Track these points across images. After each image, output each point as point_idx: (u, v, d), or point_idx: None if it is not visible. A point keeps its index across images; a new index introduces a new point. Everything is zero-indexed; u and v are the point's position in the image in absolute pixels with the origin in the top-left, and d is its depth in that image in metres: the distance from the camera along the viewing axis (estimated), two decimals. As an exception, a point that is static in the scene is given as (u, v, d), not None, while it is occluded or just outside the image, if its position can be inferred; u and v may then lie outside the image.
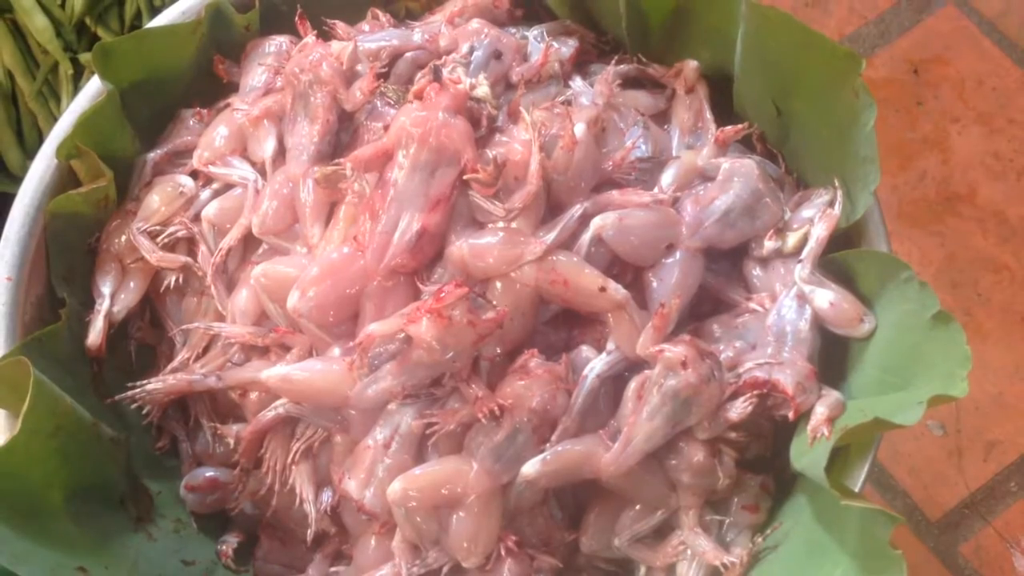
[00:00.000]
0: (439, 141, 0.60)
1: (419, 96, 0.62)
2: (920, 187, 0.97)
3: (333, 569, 0.64)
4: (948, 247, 0.94)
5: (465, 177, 0.60)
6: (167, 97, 0.71)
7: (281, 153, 0.67)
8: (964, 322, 0.91)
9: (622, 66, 0.71)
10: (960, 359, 0.52)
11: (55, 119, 0.78)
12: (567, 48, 0.71)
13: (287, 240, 0.66)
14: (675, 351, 0.57)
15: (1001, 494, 0.86)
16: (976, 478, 0.86)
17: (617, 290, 0.60)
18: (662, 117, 0.71)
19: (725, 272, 0.65)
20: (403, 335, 0.58)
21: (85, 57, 0.84)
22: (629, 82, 0.72)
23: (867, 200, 0.61)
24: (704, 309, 0.65)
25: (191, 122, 0.71)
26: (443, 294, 0.57)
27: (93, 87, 0.68)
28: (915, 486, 0.86)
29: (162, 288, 0.68)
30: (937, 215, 0.96)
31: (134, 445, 0.66)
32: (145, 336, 0.70)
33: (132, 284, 0.68)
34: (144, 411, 0.66)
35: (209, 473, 0.66)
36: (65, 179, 0.68)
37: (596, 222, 0.61)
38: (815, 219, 0.62)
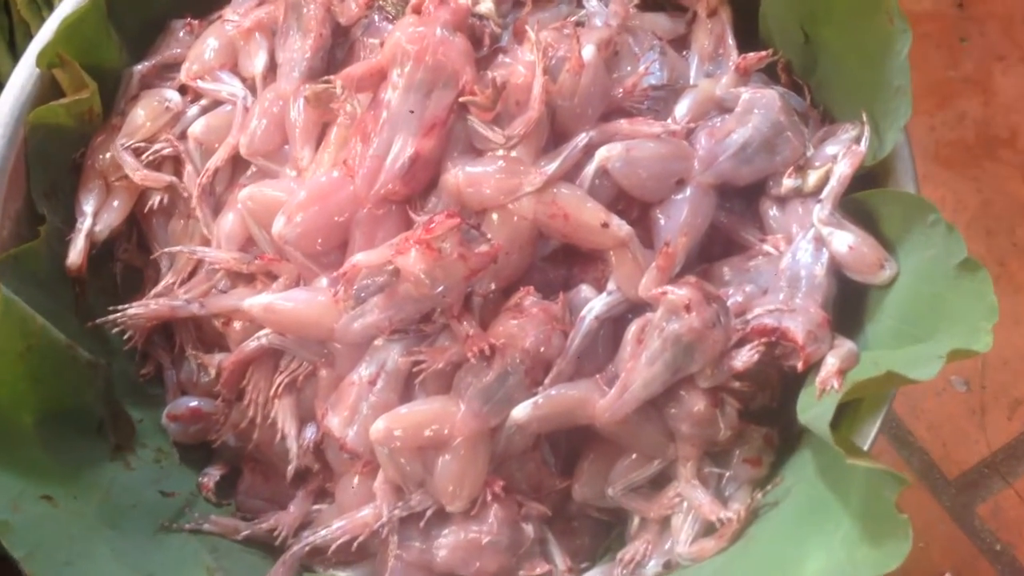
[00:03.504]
0: (436, 60, 0.56)
1: (417, 10, 0.58)
2: (959, 129, 0.91)
3: (316, 506, 0.61)
4: (985, 193, 0.89)
5: (462, 100, 0.56)
6: (157, 6, 0.68)
7: (273, 69, 0.63)
8: (997, 273, 0.87)
9: (642, -17, 0.66)
10: (986, 311, 0.48)
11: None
12: (583, -37, 0.66)
13: (276, 162, 0.62)
14: (679, 294, 0.54)
15: (1024, 454, 0.82)
16: (999, 437, 0.82)
17: (620, 226, 0.56)
18: (681, 42, 0.66)
19: (739, 211, 0.61)
20: (391, 267, 0.55)
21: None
22: (647, 3, 0.67)
23: (896, 136, 0.56)
24: (715, 250, 0.61)
25: (181, 34, 0.67)
26: (433, 224, 0.54)
27: (77, -6, 0.65)
28: (934, 443, 0.82)
29: (147, 208, 0.65)
30: (975, 159, 0.90)
31: (117, 371, 0.64)
32: (131, 258, 0.67)
33: (116, 203, 0.65)
34: (127, 336, 0.63)
35: (192, 403, 0.63)
36: (48, 89, 0.64)
37: (601, 153, 0.57)
38: (839, 156, 0.58)
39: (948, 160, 0.90)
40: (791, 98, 0.62)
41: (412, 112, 0.56)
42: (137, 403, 0.65)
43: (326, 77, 0.59)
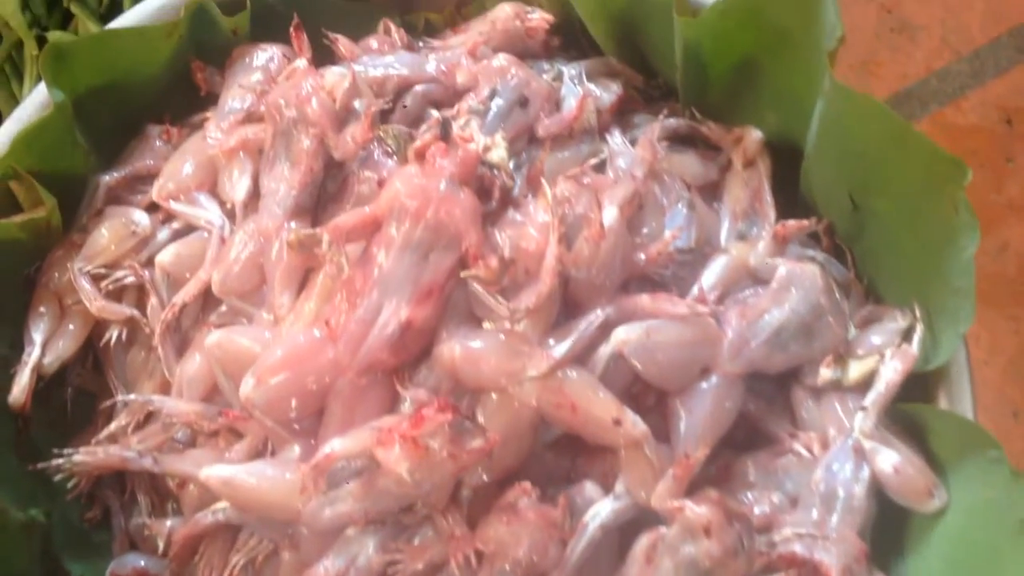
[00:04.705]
0: (438, 218, 0.49)
1: (420, 156, 0.51)
2: (1000, 260, 0.85)
3: None
4: (1024, 335, 0.82)
5: (463, 274, 0.49)
6: (132, 107, 0.61)
7: (256, 195, 0.56)
8: (1032, 427, 0.81)
9: (671, 120, 0.60)
10: (1053, 587, 0.42)
11: (17, 102, 0.67)
12: (608, 95, 0.60)
13: (252, 303, 0.55)
14: (698, 512, 0.47)
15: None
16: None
17: (635, 424, 0.49)
18: (712, 188, 0.59)
19: (768, 395, 0.54)
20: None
21: (56, 36, 0.73)
22: (678, 139, 0.60)
23: (954, 343, 0.49)
24: (738, 435, 0.54)
25: (157, 143, 0.60)
26: (423, 415, 0.47)
27: (40, 95, 0.58)
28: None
29: (103, 340, 0.58)
30: (1016, 295, 0.84)
31: (57, 517, 0.57)
32: (85, 382, 0.61)
33: (71, 328, 0.58)
34: (72, 483, 0.57)
35: (140, 563, 0.56)
36: (2, 199, 0.58)
37: (618, 336, 0.50)
38: (887, 355, 0.51)
39: (987, 295, 0.83)
40: (832, 266, 0.56)
41: (406, 275, 0.49)
42: (79, 555, 0.58)
43: (316, 225, 0.52)
